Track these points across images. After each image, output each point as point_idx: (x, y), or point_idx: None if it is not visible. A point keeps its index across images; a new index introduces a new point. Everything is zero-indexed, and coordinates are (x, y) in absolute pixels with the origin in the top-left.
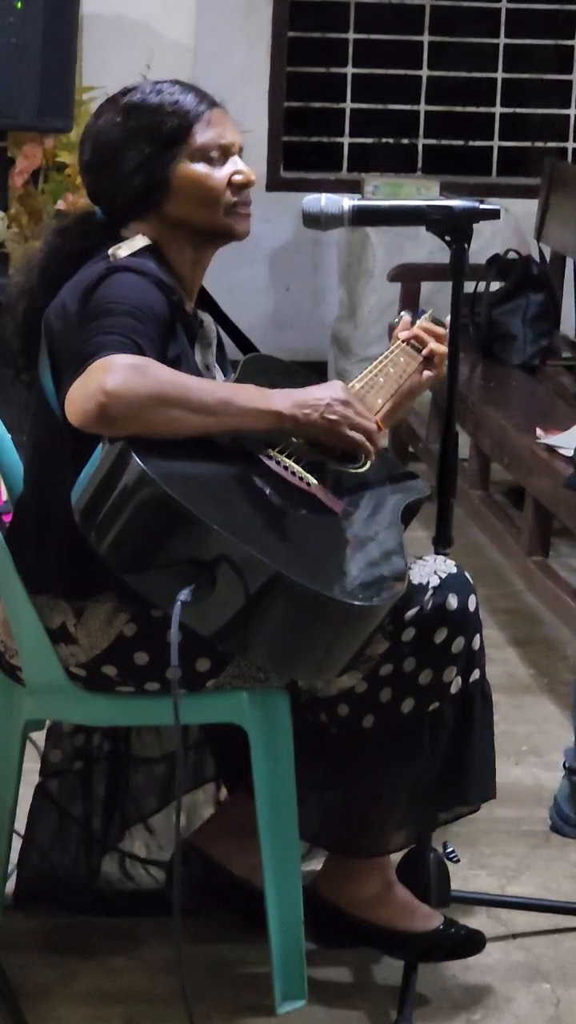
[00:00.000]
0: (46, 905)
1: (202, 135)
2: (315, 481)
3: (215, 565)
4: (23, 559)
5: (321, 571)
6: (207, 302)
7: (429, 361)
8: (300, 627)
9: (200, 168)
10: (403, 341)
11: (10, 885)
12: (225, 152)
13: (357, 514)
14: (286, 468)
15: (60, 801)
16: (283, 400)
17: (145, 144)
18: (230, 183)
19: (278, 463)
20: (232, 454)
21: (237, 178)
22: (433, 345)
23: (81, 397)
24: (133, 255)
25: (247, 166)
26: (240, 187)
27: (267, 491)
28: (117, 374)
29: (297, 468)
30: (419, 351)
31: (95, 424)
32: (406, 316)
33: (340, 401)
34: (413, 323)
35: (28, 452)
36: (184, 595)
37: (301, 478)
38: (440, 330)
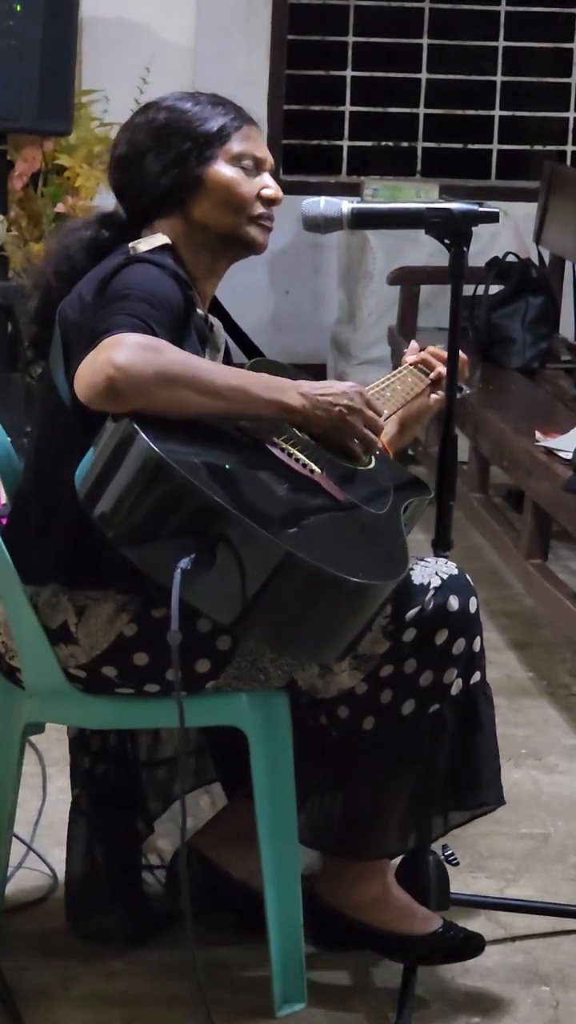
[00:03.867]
0: (102, 934)
1: (240, 143)
2: (318, 470)
3: (216, 538)
4: (24, 550)
5: (322, 550)
6: (217, 308)
7: (437, 385)
8: (300, 603)
9: (234, 173)
10: (411, 364)
11: (16, 892)
12: (259, 165)
13: (359, 504)
14: (290, 455)
15: (90, 813)
16: (294, 395)
17: (183, 141)
18: (260, 195)
19: (283, 450)
20: (236, 440)
21: (267, 192)
22: (441, 368)
23: (90, 371)
24: (151, 251)
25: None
26: (269, 201)
27: (271, 475)
28: (127, 350)
29: (301, 456)
30: (427, 375)
31: (102, 398)
32: (415, 343)
33: (351, 409)
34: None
35: (33, 442)
36: (184, 563)
37: (304, 465)
38: (445, 354)
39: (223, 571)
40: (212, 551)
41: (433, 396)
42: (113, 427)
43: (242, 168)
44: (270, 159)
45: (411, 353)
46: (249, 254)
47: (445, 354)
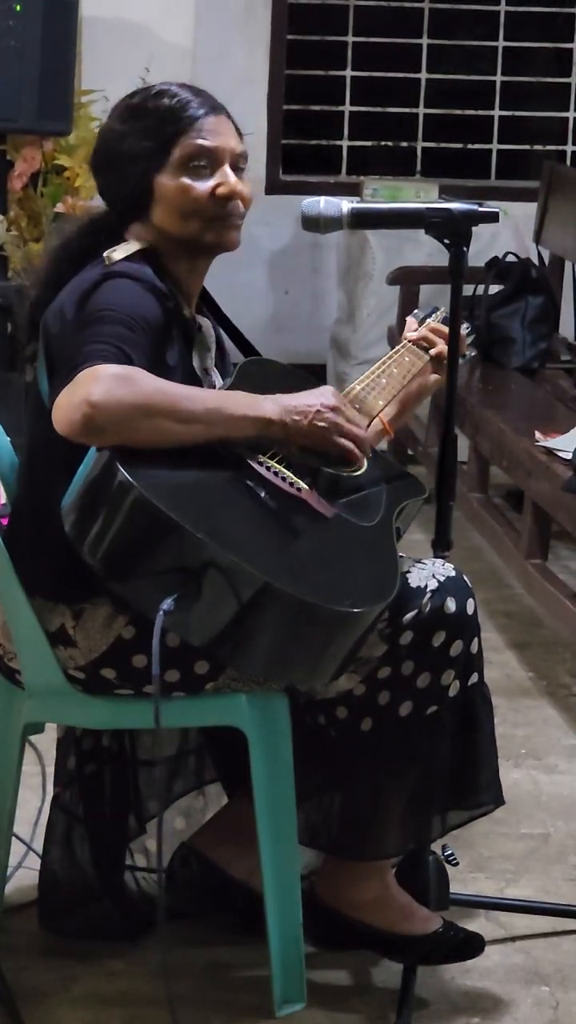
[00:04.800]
0: (74, 931)
1: (188, 145)
2: (305, 486)
3: (201, 574)
4: (20, 561)
5: (309, 577)
6: (209, 305)
7: (438, 362)
8: (289, 634)
9: (182, 180)
10: (410, 341)
11: (16, 892)
12: (216, 161)
13: (349, 518)
14: (276, 474)
15: (74, 810)
16: (272, 407)
17: (136, 150)
18: (213, 195)
19: (268, 468)
20: (221, 460)
21: (221, 190)
22: (442, 345)
23: (67, 407)
24: (130, 259)
25: (238, 175)
26: (224, 199)
27: (256, 498)
28: (102, 384)
29: (287, 473)
30: (426, 351)
31: (81, 434)
32: (412, 318)
33: (330, 407)
34: (423, 321)
35: (25, 453)
36: (167, 604)
37: (291, 483)
38: (446, 329)
39: (208, 604)
40: (197, 588)
41: (433, 376)
42: (96, 457)
43: (192, 170)
44: (232, 148)
45: (409, 329)
46: (213, 254)
47: (445, 329)
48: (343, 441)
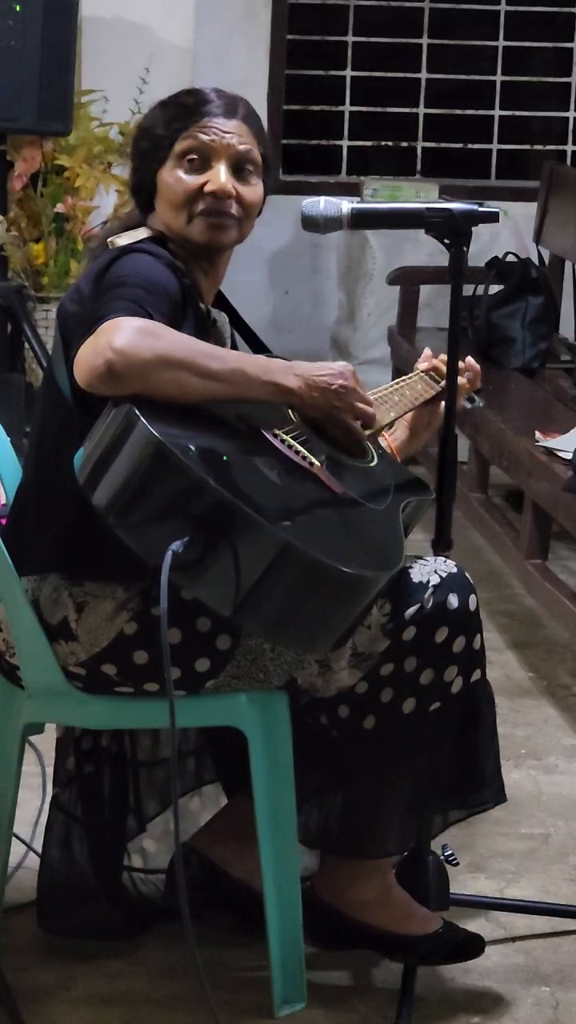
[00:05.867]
0: (72, 931)
1: (186, 139)
2: (318, 463)
3: (211, 523)
4: (24, 540)
5: (318, 539)
6: (224, 305)
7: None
8: (296, 593)
9: (175, 172)
10: (422, 371)
11: (16, 892)
12: (211, 158)
13: (358, 499)
14: (290, 447)
15: (73, 810)
16: (293, 379)
17: (145, 142)
18: (201, 191)
19: (283, 442)
20: (237, 429)
21: (208, 187)
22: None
23: (90, 355)
24: (140, 242)
25: (243, 178)
26: (211, 195)
27: (270, 465)
28: (126, 333)
29: (301, 448)
30: (438, 382)
31: (102, 381)
32: (428, 351)
33: (346, 388)
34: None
35: (34, 436)
36: (176, 545)
37: (304, 457)
38: (459, 364)
39: (220, 558)
40: (206, 536)
41: (443, 404)
42: (114, 412)
43: (187, 164)
44: (234, 147)
45: (423, 360)
46: (209, 253)
47: (459, 363)
48: (351, 422)
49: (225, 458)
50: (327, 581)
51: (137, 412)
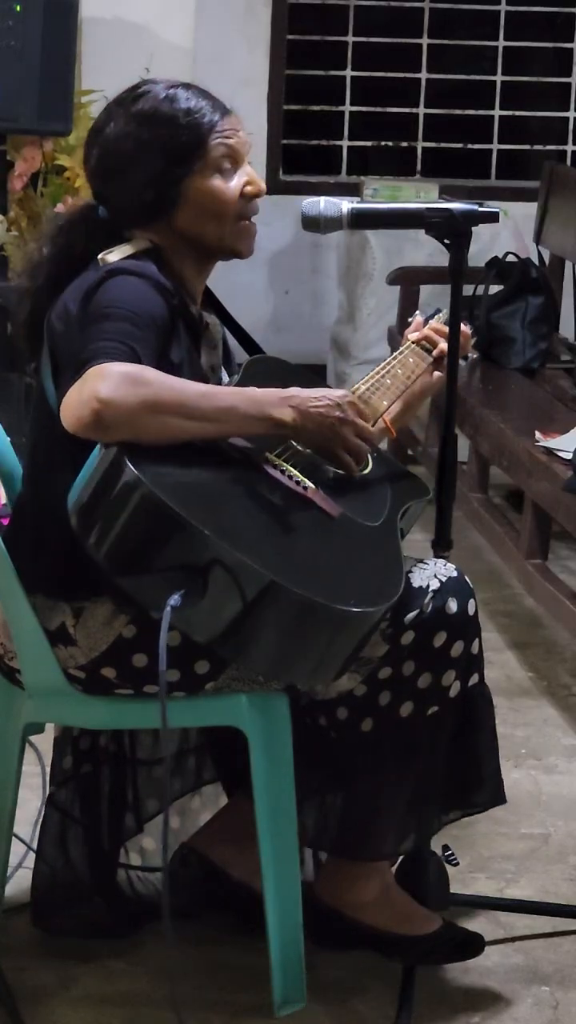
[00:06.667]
0: (67, 929)
1: (216, 148)
2: (312, 485)
3: (207, 571)
4: (21, 559)
5: (315, 576)
6: (213, 304)
7: (440, 362)
8: (293, 633)
9: (214, 182)
10: (413, 342)
11: (16, 892)
12: (237, 160)
13: (355, 518)
14: (283, 472)
15: (69, 809)
16: (285, 409)
17: (158, 158)
18: (242, 194)
19: (275, 467)
20: (229, 458)
21: (249, 189)
22: (444, 345)
23: (76, 404)
24: (132, 257)
25: (255, 172)
26: (253, 196)
27: (262, 497)
28: (111, 381)
29: (294, 472)
30: (429, 352)
31: (90, 431)
32: (418, 317)
33: (342, 421)
34: (427, 322)
35: (27, 453)
36: (174, 600)
37: (298, 482)
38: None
39: (213, 601)
40: (203, 584)
41: (436, 373)
42: (103, 453)
43: (222, 173)
44: (247, 143)
45: (413, 330)
46: (230, 259)
47: (447, 329)
48: (346, 457)
49: (216, 497)
50: (324, 619)
51: (124, 455)
